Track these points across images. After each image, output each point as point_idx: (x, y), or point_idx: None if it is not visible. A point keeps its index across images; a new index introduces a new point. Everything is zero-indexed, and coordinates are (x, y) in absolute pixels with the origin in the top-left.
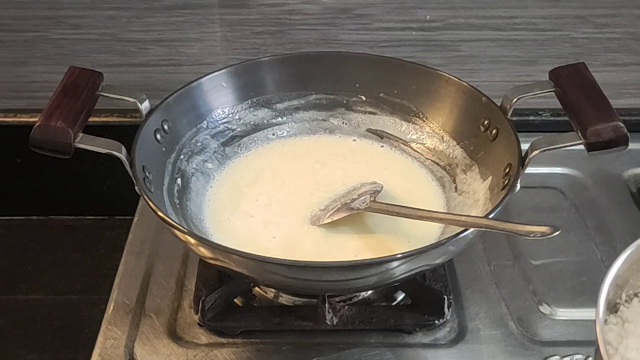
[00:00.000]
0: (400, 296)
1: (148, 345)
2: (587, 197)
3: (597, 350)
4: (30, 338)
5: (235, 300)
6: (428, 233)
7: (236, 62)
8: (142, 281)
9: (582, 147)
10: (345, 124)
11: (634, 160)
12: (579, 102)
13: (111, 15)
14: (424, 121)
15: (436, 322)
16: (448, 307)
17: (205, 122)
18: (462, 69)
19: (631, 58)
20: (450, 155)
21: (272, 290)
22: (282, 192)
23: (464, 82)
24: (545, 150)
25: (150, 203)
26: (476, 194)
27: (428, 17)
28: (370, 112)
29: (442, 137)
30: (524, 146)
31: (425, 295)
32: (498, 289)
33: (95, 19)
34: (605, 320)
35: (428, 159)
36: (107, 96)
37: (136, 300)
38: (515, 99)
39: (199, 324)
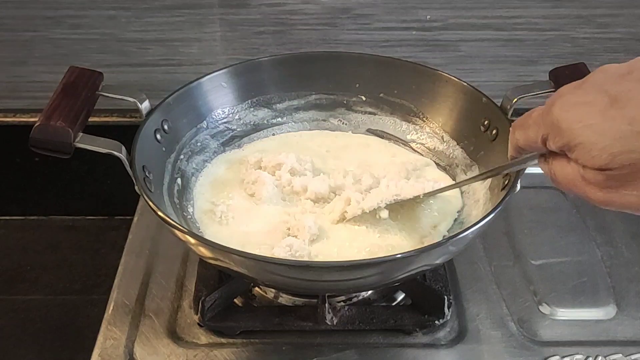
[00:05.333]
0: (400, 296)
1: (148, 345)
2: None
3: None
4: (30, 338)
5: (235, 300)
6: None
7: (236, 62)
8: (142, 281)
9: None
10: (345, 124)
11: None
12: None
13: (111, 15)
14: (424, 121)
15: (436, 322)
16: (448, 307)
17: (205, 122)
18: (462, 69)
19: (631, 58)
20: (450, 155)
21: (272, 290)
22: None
23: (464, 82)
24: None
25: (150, 203)
26: (476, 194)
27: (428, 17)
28: (370, 112)
29: (442, 137)
30: None
31: (425, 295)
32: (498, 289)
33: (95, 19)
34: None
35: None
36: (107, 96)
37: (136, 300)
38: (516, 99)
39: (199, 324)
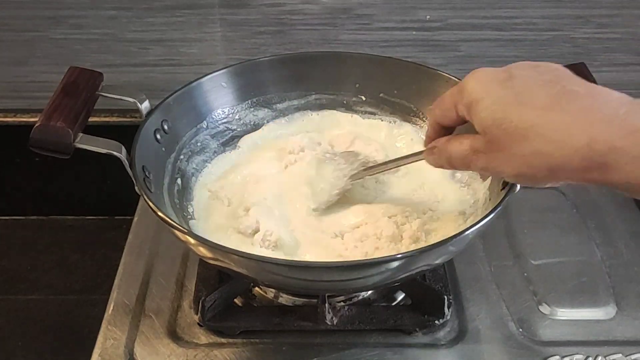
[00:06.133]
0: (400, 296)
1: (148, 345)
2: (587, 197)
3: None
4: (30, 338)
5: (235, 300)
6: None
7: (236, 62)
8: (142, 281)
9: None
10: None
11: None
12: None
13: (111, 15)
14: (424, 121)
15: (436, 322)
16: (448, 307)
17: (205, 122)
18: (462, 69)
19: (631, 58)
20: None
21: (272, 290)
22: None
23: None
24: None
25: (150, 203)
26: (476, 194)
27: (428, 17)
28: (370, 112)
29: None
30: None
31: (425, 295)
32: (498, 289)
33: (95, 19)
34: None
35: None
36: (107, 96)
37: (136, 300)
38: None
39: (199, 324)
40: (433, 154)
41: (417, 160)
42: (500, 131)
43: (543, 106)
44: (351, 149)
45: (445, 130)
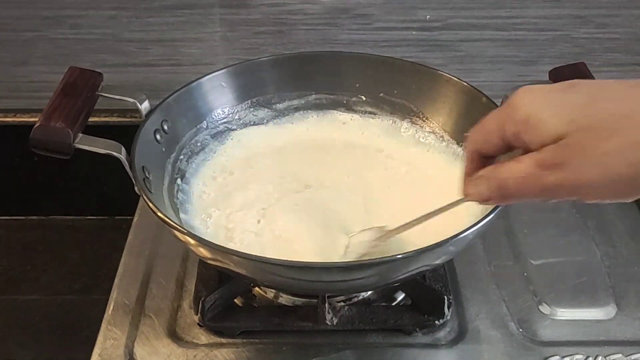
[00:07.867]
0: (400, 296)
1: (148, 345)
2: None
3: None
4: (30, 338)
5: (235, 300)
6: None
7: (236, 62)
8: (142, 281)
9: None
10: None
11: None
12: None
13: (111, 15)
14: (424, 121)
15: (436, 322)
16: (448, 308)
17: (205, 122)
18: (462, 69)
19: (631, 58)
20: None
21: (272, 290)
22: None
23: (464, 82)
24: None
25: (150, 203)
26: None
27: (428, 17)
28: (370, 112)
29: (442, 137)
30: None
31: (425, 295)
32: (498, 289)
33: (95, 19)
34: None
35: None
36: (107, 96)
37: (136, 300)
38: None
39: (199, 324)
40: (477, 185)
41: (451, 208)
42: (581, 130)
43: (627, 97)
44: None
45: (486, 161)
